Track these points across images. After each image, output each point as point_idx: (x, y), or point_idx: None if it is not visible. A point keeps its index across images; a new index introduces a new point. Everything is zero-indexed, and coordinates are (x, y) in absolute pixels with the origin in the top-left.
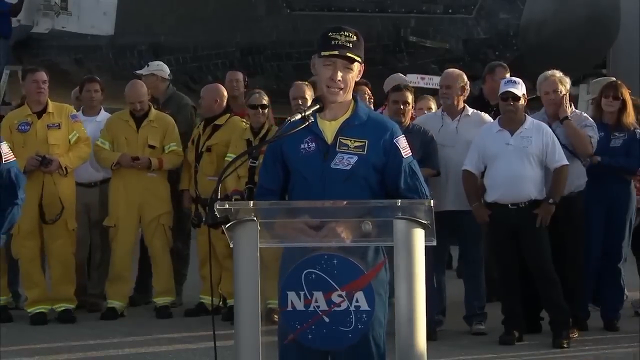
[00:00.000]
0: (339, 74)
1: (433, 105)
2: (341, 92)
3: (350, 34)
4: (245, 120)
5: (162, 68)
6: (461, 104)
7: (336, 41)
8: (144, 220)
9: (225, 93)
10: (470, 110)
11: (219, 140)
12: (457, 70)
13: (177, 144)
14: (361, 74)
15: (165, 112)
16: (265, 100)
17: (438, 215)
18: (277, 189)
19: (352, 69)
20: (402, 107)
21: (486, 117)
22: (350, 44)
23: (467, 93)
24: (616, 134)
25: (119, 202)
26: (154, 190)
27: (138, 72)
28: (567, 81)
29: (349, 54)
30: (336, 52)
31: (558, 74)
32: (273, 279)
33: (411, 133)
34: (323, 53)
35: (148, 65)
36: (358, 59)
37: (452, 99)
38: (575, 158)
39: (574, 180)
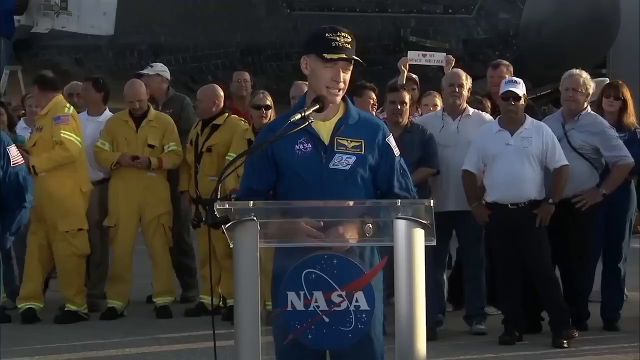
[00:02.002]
0: (341, 75)
1: (439, 102)
2: (341, 93)
3: (346, 35)
4: (244, 120)
5: (165, 69)
6: (464, 105)
7: (337, 43)
8: (144, 220)
9: (222, 93)
10: (471, 111)
11: (219, 140)
12: (463, 71)
13: (177, 143)
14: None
15: (166, 112)
16: (269, 101)
17: (439, 215)
18: (264, 190)
19: (350, 70)
20: (399, 107)
21: (487, 117)
22: (349, 45)
23: (469, 95)
24: (617, 134)
25: (119, 202)
26: (154, 190)
27: (144, 71)
28: (592, 85)
29: (353, 57)
30: (343, 55)
31: (585, 74)
32: (269, 279)
33: (410, 132)
34: (328, 56)
35: (152, 66)
36: (360, 61)
37: (461, 99)
38: (585, 161)
39: (584, 182)
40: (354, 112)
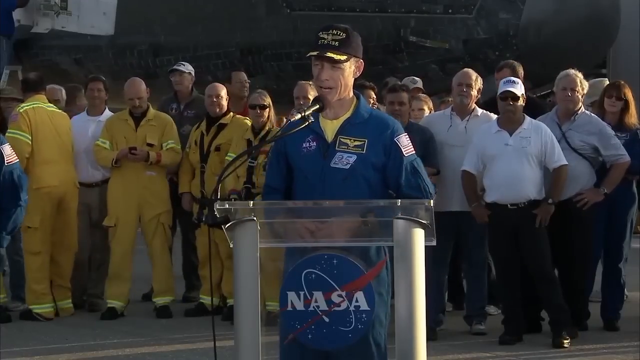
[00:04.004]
0: (325, 74)
1: (425, 107)
2: (331, 91)
3: (339, 32)
4: (248, 119)
5: (192, 70)
6: (472, 105)
7: (322, 41)
8: (143, 219)
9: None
10: (479, 111)
11: (227, 139)
12: (473, 72)
13: (176, 141)
14: (361, 70)
15: (189, 113)
16: (265, 101)
17: (443, 215)
18: (282, 188)
19: (341, 68)
20: (398, 107)
21: (494, 117)
22: (337, 42)
23: (479, 95)
24: (618, 134)
25: (118, 202)
26: (153, 189)
27: (178, 67)
28: (586, 85)
29: (330, 53)
30: (315, 53)
31: (580, 75)
32: (269, 279)
33: (410, 132)
34: (307, 54)
35: (183, 64)
36: (342, 57)
37: (469, 98)
38: (585, 160)
39: (583, 182)
40: (363, 111)
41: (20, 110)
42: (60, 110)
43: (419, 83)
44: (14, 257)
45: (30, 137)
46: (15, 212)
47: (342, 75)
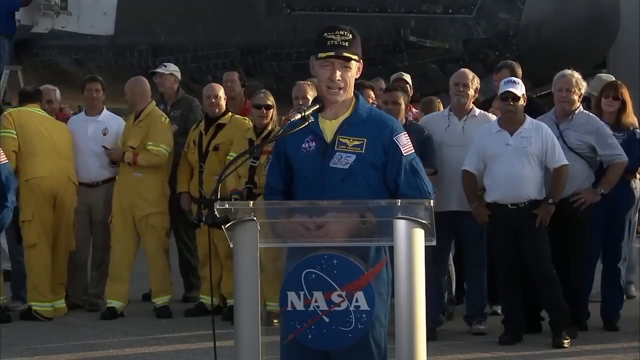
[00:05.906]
0: (337, 74)
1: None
2: (341, 91)
3: (346, 33)
4: (249, 119)
5: (177, 70)
6: (470, 105)
7: (332, 41)
8: (135, 220)
9: (222, 93)
10: (477, 111)
11: (226, 139)
12: (470, 71)
13: (155, 143)
14: (360, 71)
15: (175, 113)
16: (269, 101)
17: (442, 215)
18: (283, 188)
19: (350, 68)
20: (391, 107)
21: (493, 117)
22: (347, 43)
23: (477, 95)
24: (616, 134)
25: (116, 202)
26: (141, 191)
27: (158, 70)
28: (584, 85)
29: (345, 53)
30: (332, 53)
31: (577, 74)
32: (269, 279)
33: (408, 132)
34: (320, 55)
35: (165, 65)
36: (355, 57)
37: (467, 98)
38: (582, 160)
39: (581, 181)
40: (362, 111)
41: (5, 113)
42: (52, 117)
43: (405, 76)
44: (17, 257)
45: (15, 132)
46: (2, 212)
47: (350, 75)
